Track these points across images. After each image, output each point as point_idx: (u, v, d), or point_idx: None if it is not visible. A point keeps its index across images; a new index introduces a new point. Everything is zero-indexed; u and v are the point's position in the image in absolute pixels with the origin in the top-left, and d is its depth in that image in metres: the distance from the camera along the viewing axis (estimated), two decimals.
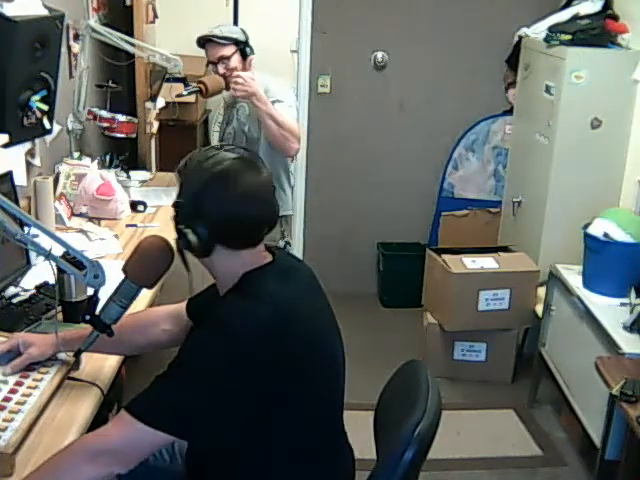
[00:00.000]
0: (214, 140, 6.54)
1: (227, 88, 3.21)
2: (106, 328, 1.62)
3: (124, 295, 1.57)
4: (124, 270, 1.57)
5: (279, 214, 1.62)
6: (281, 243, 3.25)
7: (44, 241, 1.63)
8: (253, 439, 1.50)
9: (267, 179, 1.55)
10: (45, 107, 2.56)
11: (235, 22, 5.54)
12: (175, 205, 1.53)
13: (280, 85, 3.22)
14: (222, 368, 1.41)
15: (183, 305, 1.83)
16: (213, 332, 1.45)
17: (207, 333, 1.47)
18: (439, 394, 1.55)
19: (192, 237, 1.49)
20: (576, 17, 3.59)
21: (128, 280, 1.57)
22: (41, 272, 2.29)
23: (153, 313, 1.92)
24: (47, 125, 2.62)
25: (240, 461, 1.54)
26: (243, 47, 3.16)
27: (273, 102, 3.04)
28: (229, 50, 3.13)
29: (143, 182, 3.55)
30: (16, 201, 2.34)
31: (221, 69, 3.16)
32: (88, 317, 1.62)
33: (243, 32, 3.21)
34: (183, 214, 1.51)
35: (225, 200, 1.48)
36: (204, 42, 3.16)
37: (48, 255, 1.59)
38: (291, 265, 1.67)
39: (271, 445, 1.52)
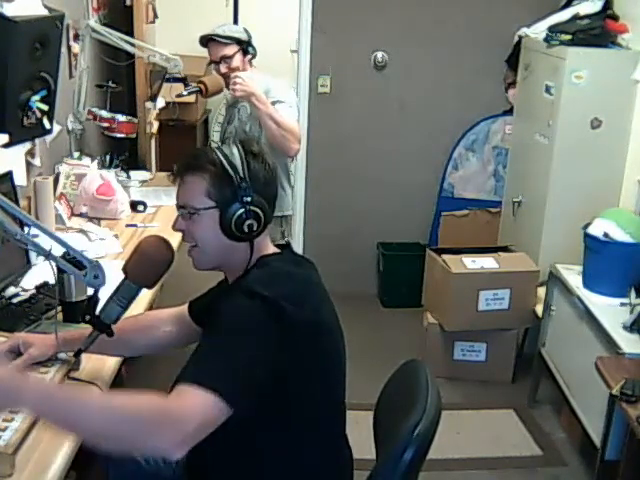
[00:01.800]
0: (214, 140, 6.54)
1: (229, 87, 3.22)
2: (106, 328, 1.62)
3: (124, 295, 1.57)
4: (124, 270, 1.57)
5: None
6: (281, 242, 3.25)
7: (44, 241, 1.63)
8: (270, 411, 1.51)
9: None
10: (45, 107, 2.56)
11: (235, 22, 5.55)
12: (213, 195, 1.54)
13: (281, 85, 3.22)
14: (263, 325, 1.43)
15: (185, 307, 1.84)
16: (246, 297, 1.47)
17: (239, 299, 1.48)
18: (439, 394, 1.55)
19: (259, 212, 1.55)
20: (576, 17, 3.59)
21: (128, 280, 1.57)
22: (41, 272, 2.29)
23: (155, 315, 1.92)
24: (47, 125, 2.62)
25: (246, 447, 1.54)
26: (245, 47, 3.18)
27: (274, 102, 3.05)
28: (231, 50, 3.15)
29: (143, 182, 3.55)
30: (16, 201, 2.34)
31: (223, 68, 3.19)
32: (88, 317, 1.62)
33: (246, 32, 3.22)
34: (240, 195, 1.53)
35: (269, 175, 1.58)
36: (206, 41, 3.18)
37: (48, 255, 1.59)
38: (299, 257, 1.73)
39: (288, 417, 1.53)
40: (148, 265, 1.57)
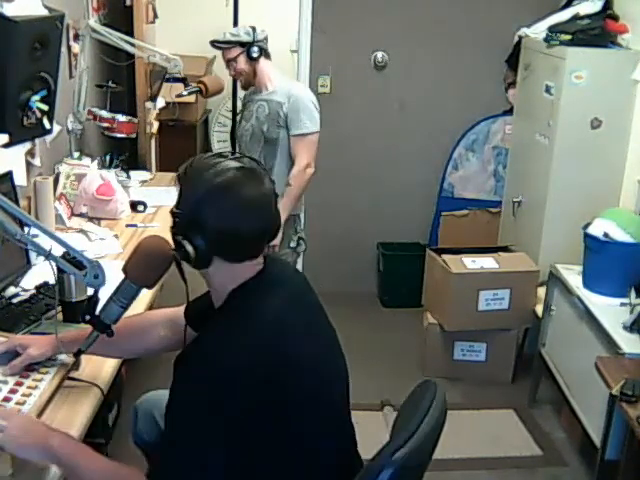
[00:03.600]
0: (214, 140, 6.55)
1: (244, 87, 3.36)
2: (106, 328, 1.62)
3: (124, 295, 1.57)
4: (124, 270, 1.57)
5: (280, 224, 1.59)
6: (294, 238, 3.32)
7: (44, 241, 1.63)
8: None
9: (269, 190, 1.51)
10: (45, 107, 2.56)
11: (235, 22, 5.54)
12: (173, 214, 1.50)
13: (302, 93, 3.26)
14: (208, 415, 1.39)
15: (181, 310, 1.80)
16: (196, 379, 1.42)
17: (190, 381, 1.43)
18: (441, 416, 1.53)
19: (189, 248, 1.46)
20: (576, 17, 3.59)
21: (128, 280, 1.56)
22: (41, 272, 2.29)
23: (151, 317, 1.90)
24: (47, 125, 2.62)
25: None
26: (248, 48, 3.19)
27: (287, 114, 3.15)
28: (233, 53, 3.21)
29: (143, 182, 3.55)
30: (16, 201, 2.34)
31: (230, 71, 3.28)
32: (88, 317, 1.62)
33: (253, 32, 3.22)
34: (181, 224, 1.47)
35: (226, 213, 1.44)
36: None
37: (48, 255, 1.59)
38: (281, 276, 1.63)
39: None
40: (148, 265, 1.57)
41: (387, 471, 1.36)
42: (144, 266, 1.57)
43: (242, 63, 3.21)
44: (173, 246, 1.50)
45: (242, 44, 3.18)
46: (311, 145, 3.22)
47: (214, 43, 3.22)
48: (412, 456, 1.40)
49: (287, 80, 3.35)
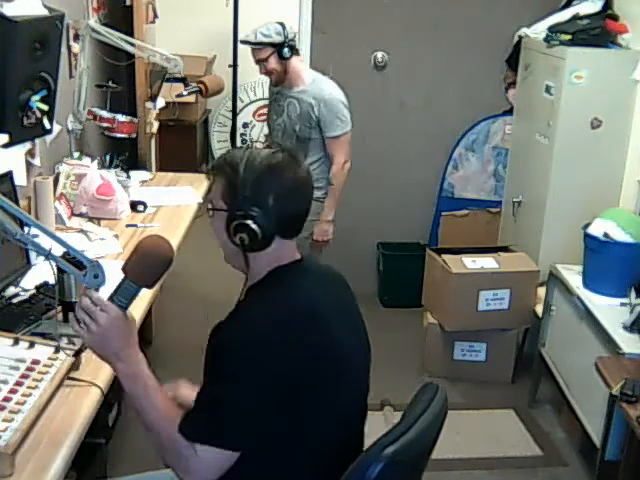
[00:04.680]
0: (214, 140, 6.55)
1: (275, 85, 3.40)
2: None
3: (124, 295, 1.57)
4: (124, 270, 1.56)
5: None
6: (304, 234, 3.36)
7: (44, 241, 1.63)
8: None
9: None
10: (45, 107, 2.56)
11: (235, 22, 5.55)
12: (226, 198, 1.53)
13: (332, 94, 3.33)
14: (249, 365, 1.42)
15: None
16: (234, 333, 1.47)
17: (227, 334, 1.48)
18: (438, 416, 1.53)
19: (255, 227, 1.50)
20: (576, 17, 3.60)
21: (128, 280, 1.56)
22: (41, 272, 2.29)
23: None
24: (47, 125, 2.62)
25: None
26: (280, 49, 3.21)
27: (319, 115, 3.25)
28: (264, 53, 3.25)
29: (143, 182, 3.55)
30: (16, 201, 2.34)
31: (261, 69, 3.33)
32: None
33: (283, 31, 3.23)
34: (241, 208, 1.51)
35: (283, 190, 1.52)
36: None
37: (48, 255, 1.58)
38: (316, 268, 1.69)
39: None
40: (148, 264, 1.57)
41: (376, 466, 1.38)
42: (144, 266, 1.57)
43: (273, 63, 3.26)
44: (232, 233, 1.52)
45: (273, 45, 3.20)
46: (345, 143, 3.37)
47: (245, 42, 3.25)
48: (403, 453, 1.41)
49: (317, 77, 3.40)
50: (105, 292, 1.61)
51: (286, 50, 3.22)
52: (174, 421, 1.46)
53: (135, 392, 1.48)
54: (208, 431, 1.43)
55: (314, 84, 3.30)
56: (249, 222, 1.50)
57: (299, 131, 3.31)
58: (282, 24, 3.26)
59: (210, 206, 1.59)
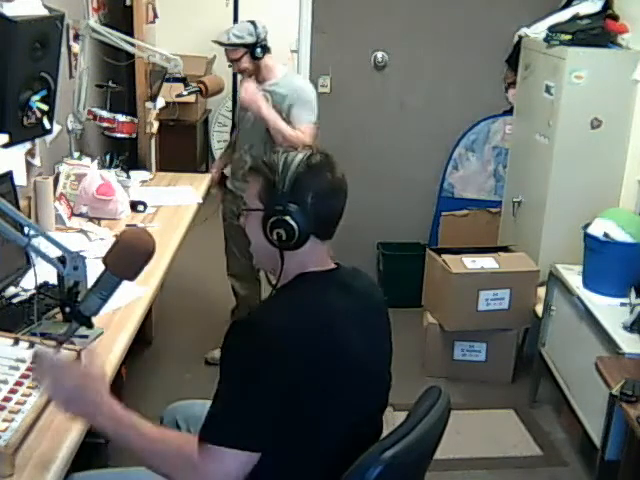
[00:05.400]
0: (214, 140, 6.55)
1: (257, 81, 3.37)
2: (85, 320, 1.60)
3: (104, 287, 1.55)
4: (104, 262, 1.55)
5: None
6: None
7: (43, 242, 1.62)
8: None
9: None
10: (45, 107, 2.55)
11: (235, 22, 5.54)
12: (263, 197, 1.54)
13: (303, 87, 3.35)
14: (260, 366, 1.42)
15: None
16: (244, 334, 1.46)
17: (239, 336, 1.47)
18: (440, 419, 1.52)
19: (294, 224, 1.50)
20: (576, 17, 3.60)
21: (108, 272, 1.55)
22: (41, 272, 2.28)
23: None
24: (47, 125, 2.62)
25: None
26: (252, 49, 3.23)
27: (290, 105, 3.21)
28: (238, 54, 3.28)
29: (143, 182, 3.55)
30: (16, 201, 2.34)
31: (234, 68, 3.36)
32: (68, 309, 1.61)
33: (255, 30, 3.26)
34: (280, 204, 1.51)
35: (322, 191, 1.53)
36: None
37: (27, 245, 1.57)
38: (349, 280, 1.66)
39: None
40: (129, 256, 1.55)
41: (375, 469, 1.38)
42: (125, 258, 1.55)
43: (246, 62, 3.28)
44: (269, 230, 1.53)
45: (246, 45, 3.22)
46: (313, 132, 3.32)
47: (218, 44, 3.26)
48: (403, 456, 1.41)
49: (289, 73, 3.44)
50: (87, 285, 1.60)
51: (259, 50, 3.25)
52: (177, 438, 1.47)
53: (125, 432, 1.46)
54: (227, 434, 1.41)
55: (285, 78, 3.33)
56: (287, 218, 1.51)
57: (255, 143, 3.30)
58: (254, 23, 3.28)
59: (244, 207, 1.59)
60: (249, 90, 3.23)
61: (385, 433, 1.46)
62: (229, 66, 3.40)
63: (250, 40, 3.22)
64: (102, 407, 1.46)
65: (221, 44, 3.26)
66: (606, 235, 2.99)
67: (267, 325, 1.45)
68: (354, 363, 1.53)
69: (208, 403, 1.47)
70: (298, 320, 1.47)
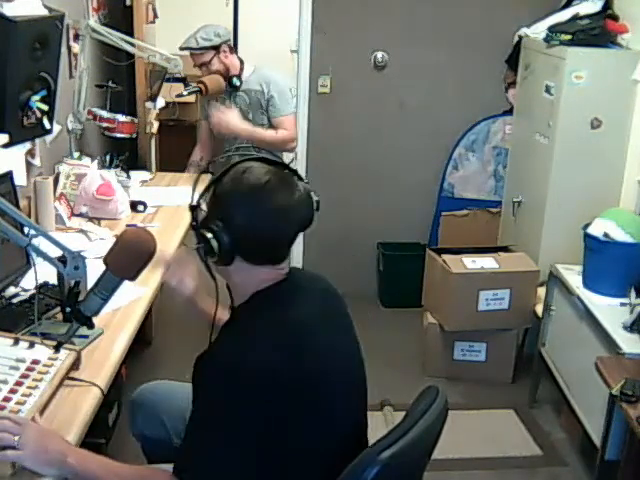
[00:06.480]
0: None
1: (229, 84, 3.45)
2: (86, 320, 1.60)
3: (105, 287, 1.55)
4: (105, 262, 1.55)
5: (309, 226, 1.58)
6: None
7: (42, 241, 1.62)
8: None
9: (301, 198, 1.52)
10: (45, 107, 2.56)
11: (235, 22, 5.55)
12: (194, 208, 1.51)
13: (276, 77, 3.44)
14: (229, 409, 1.40)
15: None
16: (213, 378, 1.44)
17: (208, 379, 1.45)
18: (438, 419, 1.53)
19: (214, 243, 1.46)
20: (576, 17, 3.59)
21: (109, 272, 1.55)
22: (41, 272, 2.28)
23: None
24: (47, 125, 2.62)
25: None
26: (220, 49, 3.38)
27: (269, 99, 3.32)
28: (207, 56, 3.39)
29: (143, 182, 3.55)
30: (16, 201, 2.34)
31: (204, 72, 3.41)
32: (69, 309, 1.61)
33: (220, 32, 3.37)
34: (208, 219, 1.48)
35: (254, 215, 1.46)
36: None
37: (27, 245, 1.57)
38: (305, 285, 1.62)
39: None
40: (129, 256, 1.55)
41: (372, 469, 1.37)
42: (125, 258, 1.55)
43: (216, 64, 3.39)
44: (197, 242, 1.49)
45: (215, 47, 3.30)
46: (295, 122, 3.45)
47: (187, 50, 3.32)
48: (400, 457, 1.41)
49: (257, 66, 3.52)
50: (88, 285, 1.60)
51: (226, 49, 3.36)
52: (140, 469, 1.51)
53: (93, 472, 1.46)
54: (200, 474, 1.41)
55: (255, 73, 3.43)
56: (208, 234, 1.46)
57: (253, 120, 3.40)
58: (215, 26, 3.40)
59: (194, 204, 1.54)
60: (215, 117, 3.37)
61: (384, 433, 1.46)
62: (203, 74, 3.44)
63: (218, 41, 3.35)
64: (70, 450, 1.46)
65: (192, 49, 3.33)
66: (606, 235, 2.99)
67: (237, 367, 1.40)
68: (330, 377, 1.52)
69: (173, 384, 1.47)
70: (266, 354, 1.42)
